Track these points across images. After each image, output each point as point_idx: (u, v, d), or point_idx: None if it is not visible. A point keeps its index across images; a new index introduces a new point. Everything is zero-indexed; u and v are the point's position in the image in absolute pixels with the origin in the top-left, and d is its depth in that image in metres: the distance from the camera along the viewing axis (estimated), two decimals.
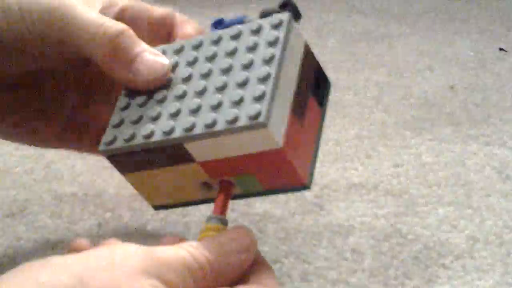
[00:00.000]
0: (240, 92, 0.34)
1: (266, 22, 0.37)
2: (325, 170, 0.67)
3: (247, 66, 0.35)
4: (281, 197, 0.62)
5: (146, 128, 0.34)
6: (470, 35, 1.08)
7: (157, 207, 0.39)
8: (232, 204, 0.62)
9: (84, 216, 0.60)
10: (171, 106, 0.35)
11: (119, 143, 0.35)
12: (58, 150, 0.69)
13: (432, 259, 0.53)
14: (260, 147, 0.33)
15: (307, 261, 0.53)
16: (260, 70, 0.34)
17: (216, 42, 0.38)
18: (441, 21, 1.16)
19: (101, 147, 0.36)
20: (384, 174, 0.66)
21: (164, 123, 0.34)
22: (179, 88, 0.36)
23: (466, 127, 0.76)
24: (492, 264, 0.52)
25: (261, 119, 0.32)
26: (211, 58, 0.37)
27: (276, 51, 0.35)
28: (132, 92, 0.37)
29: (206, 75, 0.36)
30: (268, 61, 0.34)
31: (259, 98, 0.33)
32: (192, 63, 0.37)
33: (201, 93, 0.35)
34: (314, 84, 0.40)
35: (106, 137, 0.35)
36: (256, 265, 0.35)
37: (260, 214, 0.59)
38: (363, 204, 0.61)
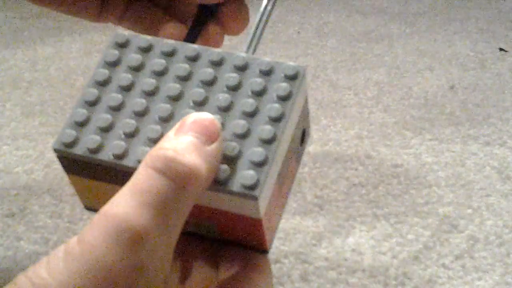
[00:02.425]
0: (234, 145, 0.29)
1: (279, 67, 0.33)
2: (325, 170, 0.67)
3: (250, 114, 0.30)
4: None
5: (117, 146, 0.29)
6: (470, 35, 1.08)
7: (89, 208, 0.35)
8: None
9: (84, 216, 0.60)
10: (151, 129, 0.29)
11: (80, 150, 0.30)
12: None
13: (432, 259, 0.53)
14: (238, 210, 0.29)
15: (307, 261, 0.53)
16: (264, 128, 0.29)
17: (217, 63, 0.32)
18: (441, 21, 1.16)
19: (56, 145, 0.30)
20: (384, 174, 0.66)
21: (138, 149, 0.29)
22: (163, 107, 0.30)
23: (466, 127, 0.76)
24: (492, 264, 0.52)
25: (255, 192, 0.28)
26: (207, 80, 0.31)
27: (286, 110, 0.30)
28: (104, 84, 0.31)
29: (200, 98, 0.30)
30: (274, 119, 0.30)
31: (257, 165, 0.28)
32: (182, 77, 0.31)
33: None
34: (300, 143, 0.34)
35: (65, 135, 0.30)
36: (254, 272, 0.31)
37: None
38: (362, 204, 0.61)
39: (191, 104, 0.30)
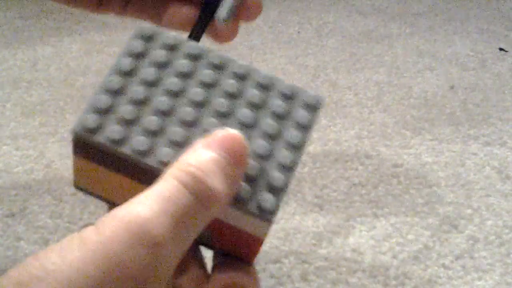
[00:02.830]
0: (254, 164, 0.29)
1: (301, 94, 0.32)
2: (325, 170, 0.67)
3: (272, 137, 0.30)
4: None
5: (140, 142, 0.29)
6: (470, 35, 1.08)
7: (79, 188, 0.34)
8: None
9: (84, 216, 0.60)
10: (174, 131, 0.30)
11: (102, 139, 0.29)
12: (58, 150, 0.70)
13: (432, 259, 0.53)
14: (244, 226, 0.29)
15: (307, 261, 0.53)
16: (285, 153, 0.30)
17: (241, 76, 0.32)
18: (441, 21, 1.16)
19: (78, 128, 0.29)
20: (384, 174, 0.66)
21: (162, 149, 0.29)
22: (188, 111, 0.30)
23: (466, 127, 0.76)
24: (492, 264, 0.52)
25: (270, 217, 0.29)
26: (231, 91, 0.31)
27: (305, 139, 0.31)
28: (128, 74, 0.31)
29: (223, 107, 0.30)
30: (294, 146, 0.31)
31: (275, 190, 0.29)
32: (206, 84, 0.31)
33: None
34: None
35: (88, 120, 0.29)
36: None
37: None
38: (363, 204, 0.61)
39: (215, 114, 0.30)
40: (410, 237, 0.56)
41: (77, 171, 0.32)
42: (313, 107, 0.32)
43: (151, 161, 0.29)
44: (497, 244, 0.54)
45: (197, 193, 0.25)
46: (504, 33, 1.10)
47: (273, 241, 0.55)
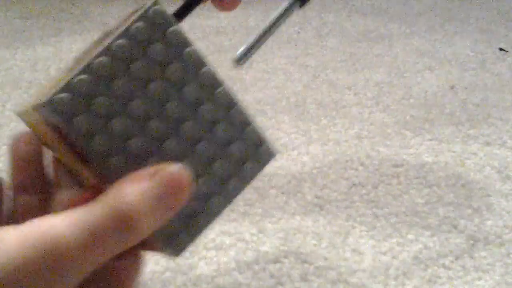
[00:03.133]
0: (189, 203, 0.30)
1: (261, 144, 0.34)
2: (325, 170, 0.67)
3: (215, 182, 0.32)
4: (281, 197, 0.62)
5: (106, 144, 0.29)
6: (470, 35, 1.08)
7: (20, 115, 0.33)
8: (232, 204, 0.62)
9: None
10: (140, 146, 0.30)
11: (73, 127, 0.29)
12: None
13: (432, 259, 0.53)
14: (150, 247, 0.31)
15: (307, 261, 0.53)
16: (216, 200, 0.32)
17: (226, 107, 0.32)
18: (441, 21, 1.16)
19: (50, 106, 0.28)
20: (384, 174, 0.66)
21: (120, 158, 0.30)
22: (160, 128, 0.30)
23: (466, 127, 0.76)
24: (492, 264, 0.52)
25: (177, 254, 0.31)
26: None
27: (242, 189, 0.34)
28: (119, 59, 0.30)
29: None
30: (228, 196, 0.33)
31: (193, 233, 0.31)
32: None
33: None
34: None
35: (63, 99, 0.28)
36: None
37: (260, 213, 0.59)
38: (362, 204, 0.61)
39: (181, 140, 0.31)
40: (410, 237, 0.56)
41: (32, 126, 0.32)
42: (263, 163, 0.33)
43: (101, 165, 0.29)
44: (497, 244, 0.54)
45: (122, 226, 0.26)
46: (504, 33, 1.10)
47: (273, 241, 0.55)
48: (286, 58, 0.96)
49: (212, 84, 0.32)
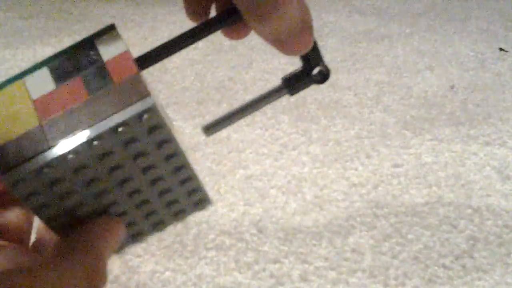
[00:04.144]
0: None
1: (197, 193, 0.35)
2: (325, 170, 0.67)
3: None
4: (281, 197, 0.62)
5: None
6: (470, 35, 1.08)
7: None
8: (232, 204, 0.62)
9: None
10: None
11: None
12: None
13: (432, 259, 0.53)
14: None
15: (307, 261, 0.53)
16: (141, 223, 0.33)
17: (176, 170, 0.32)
18: (441, 21, 1.16)
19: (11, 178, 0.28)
20: (384, 174, 0.66)
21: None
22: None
23: (466, 127, 0.76)
24: (492, 264, 0.52)
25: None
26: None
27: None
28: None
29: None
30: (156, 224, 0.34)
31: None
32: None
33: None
34: None
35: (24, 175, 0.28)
36: None
37: (260, 214, 0.59)
38: (363, 204, 0.61)
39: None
40: (410, 237, 0.56)
41: None
42: (199, 207, 0.34)
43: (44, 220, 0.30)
44: (497, 244, 0.54)
45: None
46: (504, 33, 1.10)
47: (273, 241, 0.55)
48: (286, 58, 0.96)
49: (178, 165, 0.31)
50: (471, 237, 0.55)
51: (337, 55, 0.99)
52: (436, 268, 0.52)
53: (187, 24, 0.35)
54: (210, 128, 0.34)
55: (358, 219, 0.58)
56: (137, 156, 0.30)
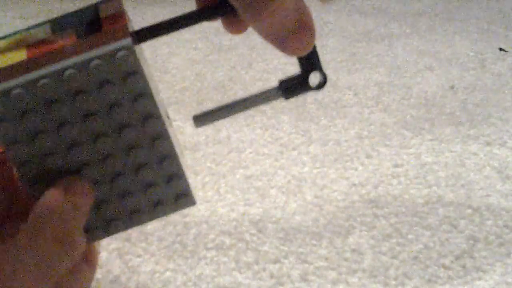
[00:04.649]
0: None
1: (180, 185, 0.34)
2: (325, 170, 0.67)
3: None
4: (281, 197, 0.62)
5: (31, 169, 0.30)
6: (470, 35, 1.08)
7: None
8: (232, 204, 0.62)
9: None
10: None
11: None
12: None
13: (432, 259, 0.53)
14: None
15: (307, 261, 0.53)
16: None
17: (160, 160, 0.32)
18: (441, 21, 1.16)
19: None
20: (384, 174, 0.66)
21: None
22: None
23: (466, 127, 0.76)
24: (492, 264, 0.52)
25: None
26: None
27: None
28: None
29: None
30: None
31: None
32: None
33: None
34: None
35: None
36: None
37: (260, 214, 0.59)
38: (363, 204, 0.61)
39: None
40: (410, 237, 0.56)
41: None
42: (181, 204, 0.33)
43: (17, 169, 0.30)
44: (497, 244, 0.54)
45: None
46: (504, 33, 1.10)
47: (273, 241, 0.55)
48: (286, 58, 0.96)
49: (157, 134, 0.31)
50: (471, 237, 0.55)
51: (337, 55, 0.99)
52: (436, 268, 0.52)
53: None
54: (201, 118, 0.34)
55: (358, 219, 0.58)
56: (112, 106, 0.29)
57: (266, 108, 0.81)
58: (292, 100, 0.84)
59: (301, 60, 0.33)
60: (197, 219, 0.58)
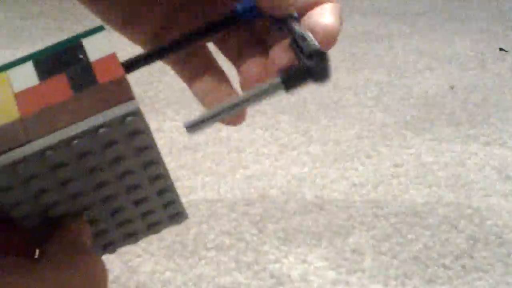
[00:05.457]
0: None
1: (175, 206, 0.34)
2: (325, 170, 0.67)
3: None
4: (281, 197, 0.62)
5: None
6: (470, 35, 1.08)
7: None
8: (232, 204, 0.62)
9: None
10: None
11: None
12: None
13: (432, 259, 0.53)
14: None
15: (307, 261, 0.53)
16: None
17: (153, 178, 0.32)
18: (441, 21, 1.16)
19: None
20: (384, 174, 0.66)
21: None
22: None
23: (466, 127, 0.76)
24: (492, 264, 0.52)
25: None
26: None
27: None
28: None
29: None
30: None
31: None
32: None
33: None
34: None
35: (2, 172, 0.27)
36: None
37: (260, 214, 0.59)
38: (363, 204, 0.61)
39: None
40: (410, 237, 0.56)
41: None
42: (174, 221, 0.33)
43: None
44: (497, 244, 0.54)
45: None
46: (504, 33, 1.10)
47: (273, 241, 0.55)
48: None
49: (157, 175, 0.30)
50: (471, 237, 0.55)
51: (337, 55, 0.99)
52: (436, 268, 0.52)
53: None
54: (190, 125, 0.32)
55: (358, 219, 0.58)
56: (116, 159, 0.29)
57: (266, 108, 0.81)
58: (292, 100, 0.84)
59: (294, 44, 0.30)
60: (197, 219, 0.58)
